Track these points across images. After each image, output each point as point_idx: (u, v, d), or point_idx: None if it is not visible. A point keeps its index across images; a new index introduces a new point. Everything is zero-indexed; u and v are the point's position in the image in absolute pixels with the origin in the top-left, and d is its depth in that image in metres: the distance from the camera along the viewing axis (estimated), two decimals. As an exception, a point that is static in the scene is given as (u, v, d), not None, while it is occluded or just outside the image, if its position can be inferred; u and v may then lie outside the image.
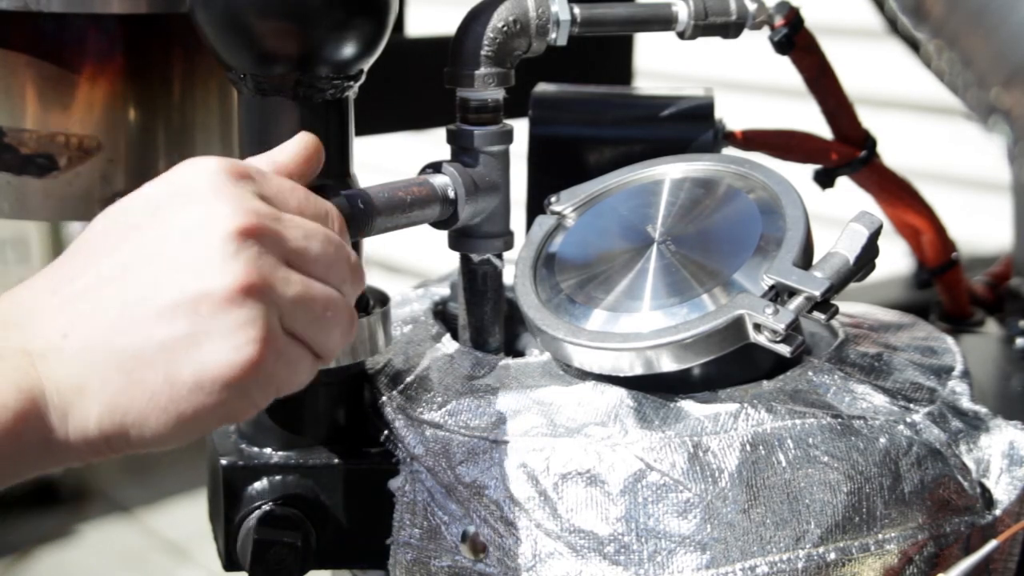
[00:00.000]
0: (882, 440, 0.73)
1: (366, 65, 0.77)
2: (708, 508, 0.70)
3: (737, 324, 0.73)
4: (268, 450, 0.79)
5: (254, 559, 0.76)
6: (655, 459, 0.71)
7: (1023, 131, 0.69)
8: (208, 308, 0.57)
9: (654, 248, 0.80)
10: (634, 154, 0.89)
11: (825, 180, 0.99)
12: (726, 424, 0.73)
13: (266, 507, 0.77)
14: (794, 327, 0.71)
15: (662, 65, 2.11)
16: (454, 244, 0.84)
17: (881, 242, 0.76)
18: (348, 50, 0.74)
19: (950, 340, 0.88)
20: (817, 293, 0.72)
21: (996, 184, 1.60)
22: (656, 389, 0.75)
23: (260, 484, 0.78)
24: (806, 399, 0.75)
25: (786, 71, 0.96)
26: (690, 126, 0.92)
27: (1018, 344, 1.07)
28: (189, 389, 0.57)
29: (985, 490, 0.77)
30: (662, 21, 0.87)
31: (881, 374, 0.79)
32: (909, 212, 1.03)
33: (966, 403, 0.80)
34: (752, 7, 0.89)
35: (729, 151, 0.95)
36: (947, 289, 1.09)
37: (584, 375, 0.78)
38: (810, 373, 0.77)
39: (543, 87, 0.96)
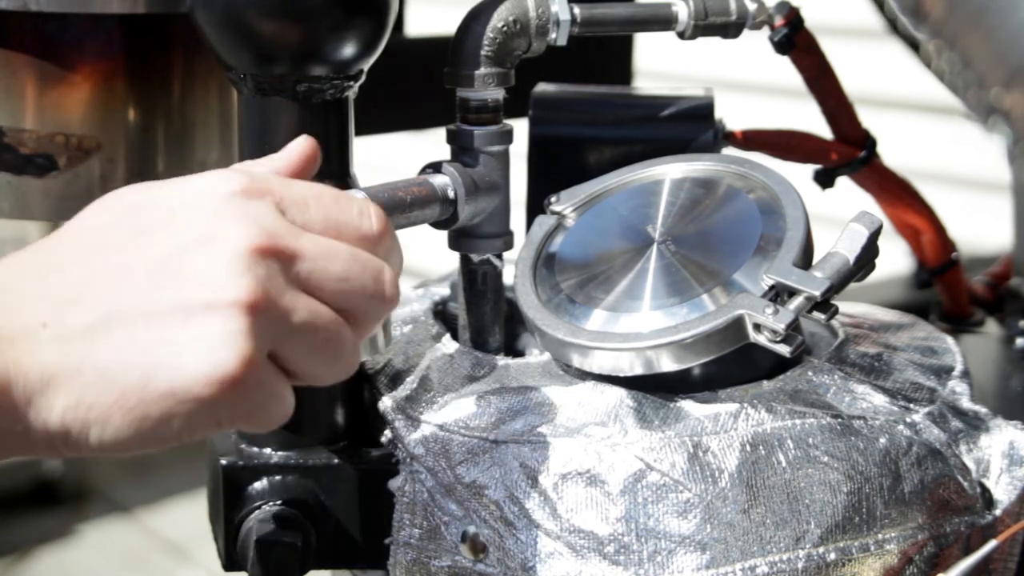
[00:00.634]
0: (882, 440, 0.73)
1: (366, 65, 0.77)
2: (708, 508, 0.70)
3: (737, 324, 0.73)
4: (268, 450, 0.79)
5: (254, 559, 0.76)
6: (655, 459, 0.71)
7: (1023, 131, 0.69)
8: (201, 317, 0.55)
9: (654, 248, 0.80)
10: (634, 154, 0.89)
11: (825, 180, 0.99)
12: (726, 424, 0.73)
13: (266, 507, 0.77)
14: (794, 327, 0.71)
15: (662, 65, 2.11)
16: (454, 244, 0.84)
17: (881, 242, 0.76)
18: (348, 50, 0.74)
19: (950, 340, 0.88)
20: (817, 293, 0.72)
21: (996, 184, 1.60)
22: (656, 389, 0.75)
23: (260, 484, 0.78)
24: (806, 399, 0.75)
25: (786, 71, 0.96)
26: (690, 126, 0.92)
27: (1018, 344, 1.07)
28: (161, 394, 0.55)
29: (985, 490, 0.77)
30: (662, 21, 0.87)
31: (881, 374, 0.79)
32: (909, 212, 1.03)
33: (966, 403, 0.80)
34: (752, 7, 0.89)
35: (729, 151, 0.95)
36: (947, 289, 1.09)
37: (584, 375, 0.78)
38: (810, 373, 0.77)
39: (543, 87, 0.96)
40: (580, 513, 0.71)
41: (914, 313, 0.94)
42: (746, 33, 0.89)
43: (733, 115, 0.98)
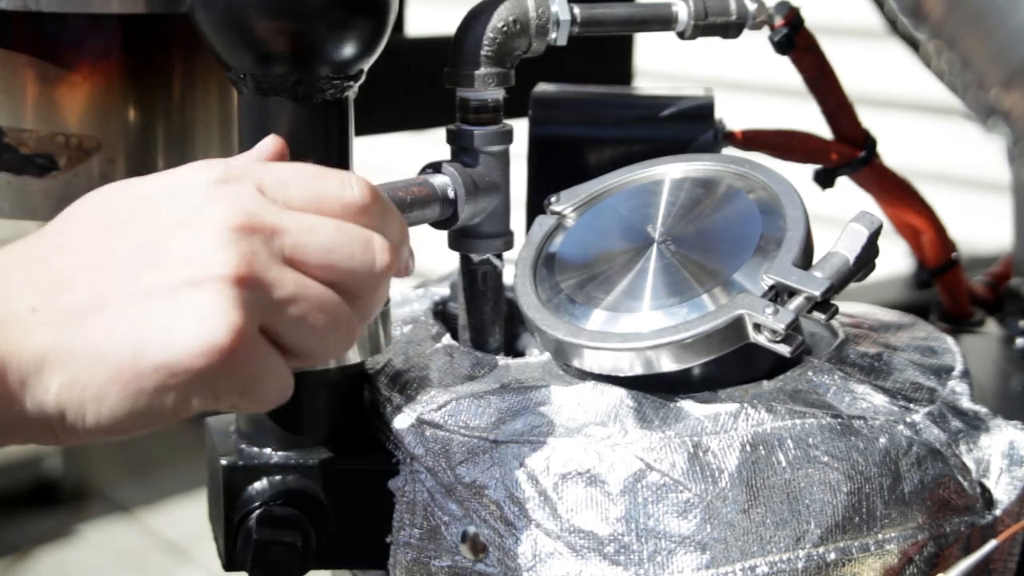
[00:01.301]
0: (882, 440, 0.73)
1: (366, 65, 0.77)
2: (708, 508, 0.70)
3: (737, 324, 0.73)
4: (268, 450, 0.79)
5: (254, 559, 0.76)
6: (655, 459, 0.71)
7: (1023, 131, 0.69)
8: (189, 292, 0.56)
9: (654, 248, 0.80)
10: (634, 154, 0.89)
11: (825, 180, 0.99)
12: (726, 424, 0.73)
13: (266, 507, 0.77)
14: (794, 327, 0.71)
15: (662, 65, 2.11)
16: (454, 244, 0.84)
17: (881, 242, 0.76)
18: (348, 50, 0.74)
19: (950, 340, 0.88)
20: (817, 293, 0.72)
21: (996, 184, 1.60)
22: (656, 389, 0.75)
23: (260, 484, 0.78)
24: (806, 399, 0.75)
25: (786, 71, 0.96)
26: (690, 126, 0.92)
27: (1018, 344, 1.07)
28: (154, 367, 0.55)
29: (985, 490, 0.77)
30: (662, 21, 0.87)
31: (881, 374, 0.79)
32: (909, 212, 1.03)
33: (966, 403, 0.80)
34: (752, 7, 0.89)
35: (729, 151, 0.95)
36: (947, 289, 1.09)
37: (584, 375, 0.78)
38: (810, 373, 0.77)
39: (543, 87, 0.96)
40: (580, 513, 0.71)
41: (914, 313, 0.94)
42: (746, 33, 0.89)
43: (733, 115, 0.98)
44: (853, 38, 1.86)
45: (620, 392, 0.75)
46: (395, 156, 1.86)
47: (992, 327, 1.12)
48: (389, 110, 1.29)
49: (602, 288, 0.79)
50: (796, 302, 0.72)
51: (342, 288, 0.61)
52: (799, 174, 0.94)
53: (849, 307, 0.90)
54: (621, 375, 0.75)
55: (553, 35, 0.82)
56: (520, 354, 0.88)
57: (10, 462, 3.07)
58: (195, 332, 0.55)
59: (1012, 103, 0.68)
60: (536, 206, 0.90)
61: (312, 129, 0.75)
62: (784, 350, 0.71)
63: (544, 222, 0.86)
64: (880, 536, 0.71)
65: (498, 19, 0.80)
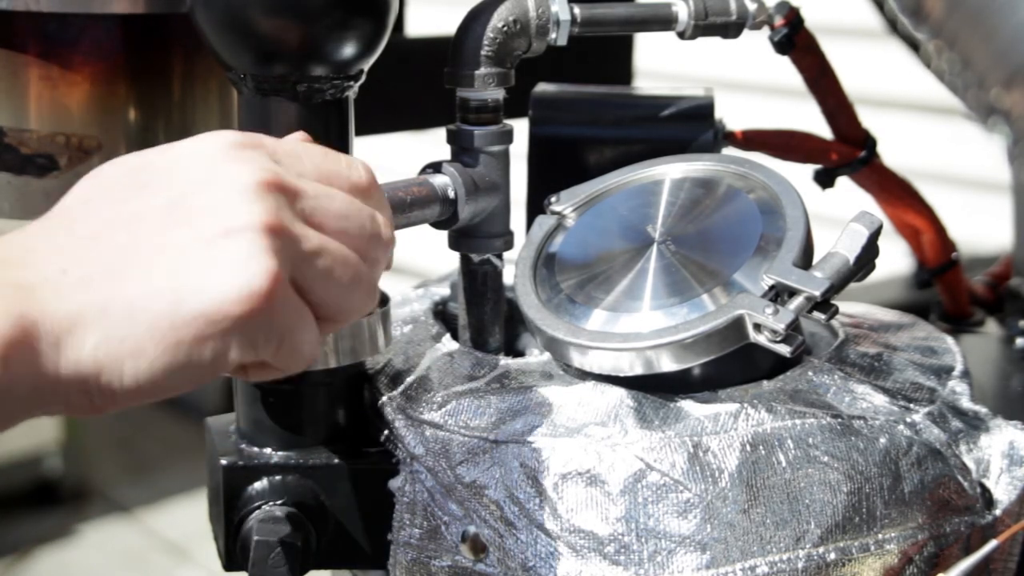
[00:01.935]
0: (882, 440, 0.73)
1: (366, 65, 0.77)
2: (708, 508, 0.70)
3: (737, 324, 0.73)
4: (268, 450, 0.79)
5: (254, 559, 0.76)
6: (655, 459, 0.71)
7: (1023, 131, 0.69)
8: (223, 242, 0.55)
9: (654, 248, 0.80)
10: (634, 154, 0.89)
11: (825, 180, 0.99)
12: (726, 424, 0.73)
13: (266, 507, 0.77)
14: (794, 327, 0.71)
15: (662, 65, 2.11)
16: (454, 244, 0.84)
17: (881, 242, 0.76)
18: (348, 50, 0.74)
19: (950, 340, 0.88)
20: (817, 293, 0.72)
21: (996, 184, 1.60)
22: (656, 389, 0.75)
23: (260, 484, 0.78)
24: (806, 399, 0.75)
25: (786, 71, 0.96)
26: (690, 126, 0.92)
27: (1018, 344, 1.07)
28: (193, 316, 0.54)
29: (985, 490, 0.77)
30: (662, 21, 0.87)
31: (881, 374, 0.79)
32: (909, 212, 1.03)
33: (966, 403, 0.80)
34: (752, 7, 0.89)
35: (729, 151, 0.95)
36: (947, 289, 1.09)
37: (584, 375, 0.78)
38: (810, 373, 0.77)
39: (543, 87, 0.96)
40: (580, 513, 0.71)
41: (914, 313, 0.94)
42: (746, 33, 0.89)
43: (733, 115, 0.98)
44: (853, 38, 1.86)
45: (620, 392, 0.75)
46: (395, 156, 1.86)
47: (992, 327, 1.12)
48: (389, 110, 1.29)
49: (602, 288, 0.79)
50: (796, 302, 0.72)
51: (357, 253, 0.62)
52: (799, 174, 0.94)
53: (849, 307, 0.90)
54: (621, 375, 0.75)
55: (553, 35, 0.82)
56: (520, 354, 0.88)
57: (10, 462, 3.07)
58: (232, 278, 0.55)
59: (1012, 103, 0.68)
60: (536, 206, 0.90)
61: (312, 129, 0.75)
62: (784, 350, 0.71)
63: (544, 222, 0.86)
64: (880, 536, 0.71)
65: (498, 19, 0.80)
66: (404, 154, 1.68)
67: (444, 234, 0.83)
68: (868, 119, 0.99)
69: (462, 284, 0.85)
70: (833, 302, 0.73)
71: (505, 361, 0.82)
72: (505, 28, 0.80)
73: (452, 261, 0.86)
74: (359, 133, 0.80)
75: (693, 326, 0.73)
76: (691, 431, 0.72)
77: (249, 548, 0.76)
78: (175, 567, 2.82)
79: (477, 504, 0.73)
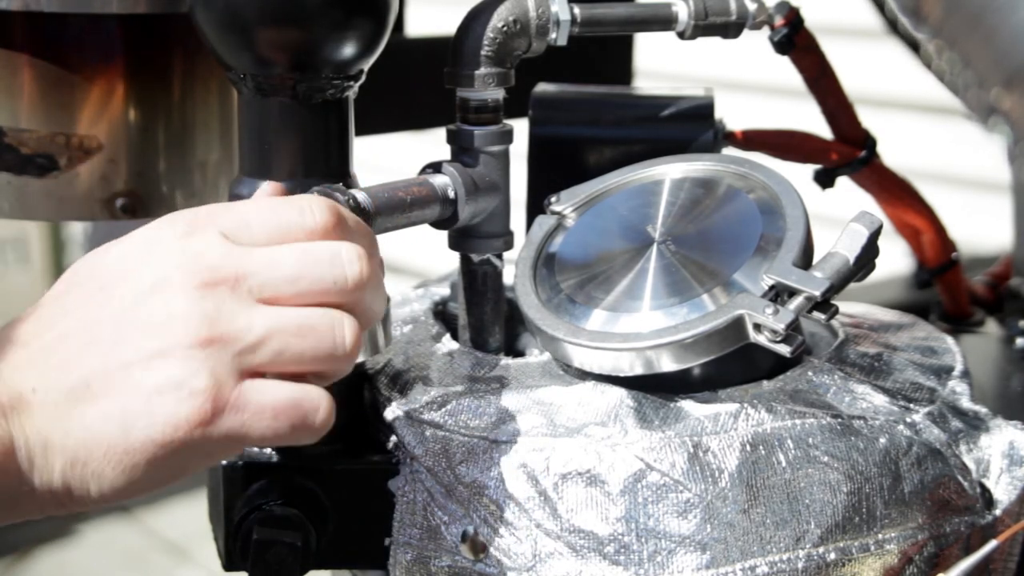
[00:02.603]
0: (882, 440, 0.73)
1: (366, 65, 0.77)
2: (708, 508, 0.70)
3: (737, 324, 0.73)
4: (268, 450, 0.79)
5: (254, 559, 0.76)
6: (655, 459, 0.71)
7: (1023, 131, 0.69)
8: (160, 364, 0.58)
9: (654, 248, 0.80)
10: (634, 154, 0.89)
11: (825, 180, 0.99)
12: (726, 424, 0.73)
13: (266, 507, 0.77)
14: (794, 327, 0.71)
15: (662, 65, 2.11)
16: (454, 244, 0.84)
17: (881, 242, 0.76)
18: (348, 50, 0.74)
19: (950, 340, 0.88)
20: (817, 293, 0.72)
21: (996, 184, 1.60)
22: (656, 389, 0.75)
23: (260, 484, 0.78)
24: (806, 399, 0.75)
25: (786, 71, 0.96)
26: (690, 126, 0.92)
27: (1018, 344, 1.07)
28: (141, 443, 0.58)
29: (985, 490, 0.77)
30: (662, 21, 0.87)
31: (881, 374, 0.79)
32: (909, 212, 1.03)
33: (966, 403, 0.80)
34: (752, 7, 0.89)
35: (729, 151, 0.95)
36: (947, 289, 1.09)
37: (584, 375, 0.78)
38: (810, 373, 0.77)
39: (543, 87, 0.96)
40: (580, 513, 0.71)
41: (914, 313, 0.94)
42: (746, 33, 0.89)
43: (733, 115, 0.98)
44: (853, 38, 1.86)
45: (620, 392, 0.75)
46: (395, 156, 1.86)
47: (992, 327, 1.12)
48: (389, 110, 1.29)
49: (602, 288, 0.79)
50: (796, 302, 0.72)
51: (327, 306, 0.62)
52: (799, 174, 0.94)
53: (849, 307, 0.90)
54: (621, 375, 0.75)
55: (553, 35, 0.82)
56: (520, 354, 0.88)
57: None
58: (171, 405, 0.58)
59: (1012, 103, 0.68)
60: (536, 206, 0.90)
61: (312, 129, 0.75)
62: (784, 350, 0.71)
63: (544, 222, 0.86)
64: (880, 536, 0.71)
65: (498, 19, 0.80)
66: (404, 154, 1.68)
67: (444, 234, 0.83)
68: (868, 119, 0.99)
69: (462, 284, 0.85)
70: (833, 302, 0.73)
71: (505, 361, 0.82)
72: (505, 28, 0.80)
73: (452, 261, 0.86)
74: (359, 133, 0.80)
75: (693, 326, 0.73)
76: (691, 431, 0.72)
77: (249, 548, 0.76)
78: (175, 567, 2.82)
79: (477, 504, 0.73)
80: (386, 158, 1.86)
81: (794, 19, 0.91)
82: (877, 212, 0.91)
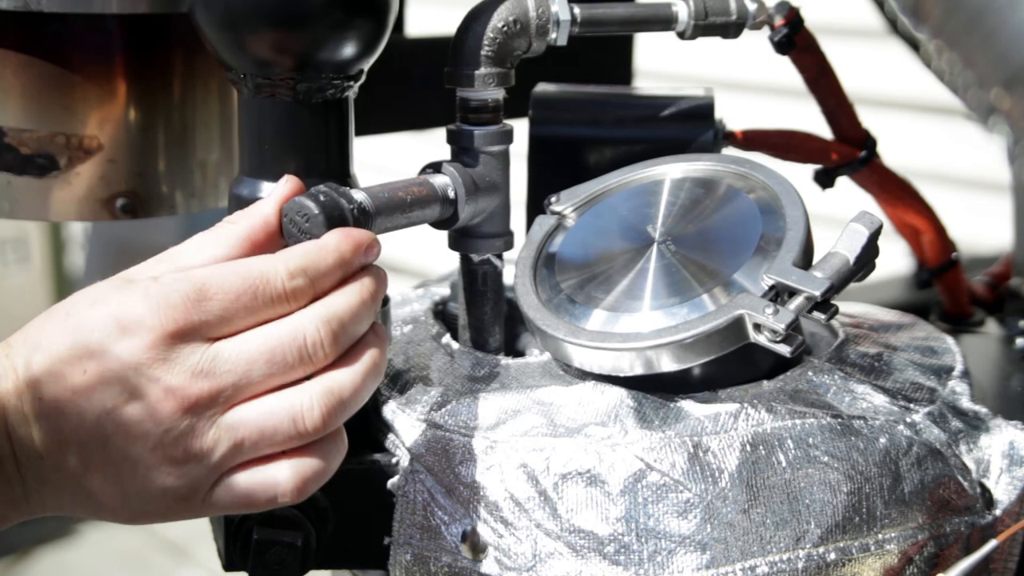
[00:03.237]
0: (882, 440, 0.73)
1: (366, 65, 0.77)
2: (708, 508, 0.70)
3: (737, 324, 0.73)
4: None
5: (254, 559, 0.76)
6: (655, 459, 0.71)
7: (1023, 131, 0.69)
8: (147, 467, 0.63)
9: (654, 248, 0.80)
10: (634, 154, 0.89)
11: (825, 180, 0.99)
12: (726, 424, 0.73)
13: (266, 507, 0.77)
14: (794, 327, 0.71)
15: (662, 65, 2.11)
16: (454, 244, 0.84)
17: (881, 242, 0.76)
18: (348, 50, 0.74)
19: (950, 340, 0.88)
20: (817, 293, 0.72)
21: (996, 184, 1.61)
22: (656, 389, 0.75)
23: (260, 484, 0.78)
24: (806, 399, 0.75)
25: (786, 71, 0.96)
26: (690, 126, 0.92)
27: (1018, 344, 1.07)
28: (135, 515, 0.65)
29: (985, 490, 0.77)
30: (662, 21, 0.87)
31: (881, 374, 0.79)
32: (909, 212, 1.03)
33: (966, 403, 0.80)
34: (752, 7, 0.89)
35: (729, 151, 0.95)
36: (947, 289, 1.09)
37: (584, 375, 0.78)
38: (810, 373, 0.77)
39: (543, 87, 0.96)
40: (580, 513, 0.71)
41: (914, 313, 0.94)
42: (746, 33, 0.89)
43: (733, 115, 0.98)
44: (853, 38, 1.86)
45: (620, 392, 0.75)
46: (395, 156, 1.86)
47: (992, 327, 1.12)
48: (389, 110, 1.29)
49: (602, 288, 0.79)
50: (796, 302, 0.72)
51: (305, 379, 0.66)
52: (799, 174, 0.94)
53: (849, 307, 0.90)
54: (621, 375, 0.75)
55: (553, 35, 0.82)
56: (520, 354, 0.88)
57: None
58: (160, 502, 0.64)
59: (1012, 103, 0.68)
60: (536, 206, 0.90)
61: (312, 129, 0.75)
62: (784, 350, 0.71)
63: (544, 222, 0.86)
64: (880, 536, 0.71)
65: (498, 19, 0.80)
66: (404, 154, 1.68)
67: (444, 234, 0.83)
68: (868, 119, 0.99)
69: (462, 284, 0.85)
70: (833, 302, 0.73)
71: (505, 361, 0.82)
72: (505, 28, 0.80)
73: (452, 261, 0.86)
74: (359, 133, 0.80)
75: (693, 326, 0.73)
76: (691, 431, 0.72)
77: (249, 548, 0.76)
78: (175, 567, 2.82)
79: (477, 504, 0.73)
80: (386, 158, 1.86)
81: (794, 19, 0.91)
82: (877, 212, 0.91)
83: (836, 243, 0.75)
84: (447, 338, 0.85)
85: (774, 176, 0.82)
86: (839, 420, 0.73)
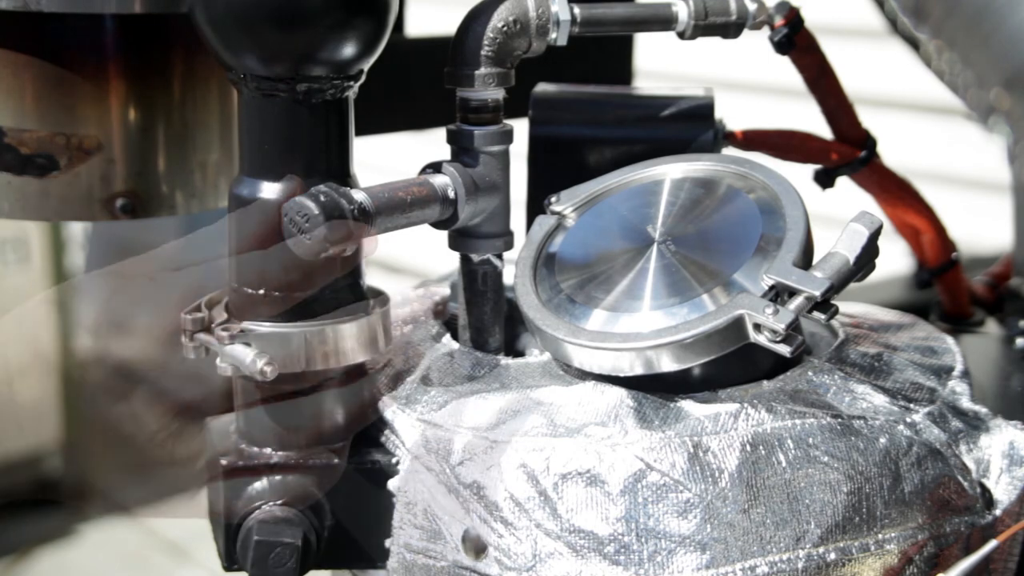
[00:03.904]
0: (882, 440, 0.73)
1: (366, 65, 0.77)
2: (708, 508, 0.70)
3: (737, 324, 0.73)
4: (268, 450, 0.79)
5: (254, 559, 0.76)
6: (655, 459, 0.71)
7: (1023, 131, 0.69)
8: None
9: (654, 248, 0.80)
10: (634, 154, 0.89)
11: (825, 180, 0.99)
12: (726, 424, 0.73)
13: (266, 507, 0.77)
14: (794, 327, 0.71)
15: (662, 65, 2.11)
16: (454, 244, 0.84)
17: (881, 242, 0.76)
18: (348, 50, 0.74)
19: (950, 340, 0.88)
20: (817, 293, 0.72)
21: (996, 184, 1.60)
22: (656, 389, 0.75)
23: (260, 484, 0.78)
24: (806, 399, 0.75)
25: (786, 71, 0.96)
26: (690, 126, 0.92)
27: (1018, 344, 1.07)
28: None
29: (985, 490, 0.77)
30: (662, 21, 0.87)
31: (881, 374, 0.79)
32: (909, 212, 1.03)
33: (966, 403, 0.80)
34: (752, 7, 0.89)
35: (729, 151, 0.95)
36: (947, 289, 1.09)
37: (584, 375, 0.78)
38: (810, 373, 0.77)
39: (543, 87, 0.96)
40: (580, 513, 0.71)
41: (914, 313, 0.94)
42: (746, 33, 0.89)
43: (733, 115, 0.98)
44: (853, 38, 1.86)
45: (620, 392, 0.75)
46: (395, 156, 1.86)
47: (992, 327, 1.12)
48: (389, 110, 1.29)
49: (602, 288, 0.79)
50: (796, 302, 0.72)
51: None
52: (799, 174, 0.94)
53: (849, 307, 0.90)
54: (621, 375, 0.75)
55: (553, 35, 0.82)
56: (520, 354, 0.88)
57: (10, 462, 3.07)
58: None
59: (1012, 103, 0.68)
60: (536, 206, 0.90)
61: (312, 129, 0.75)
62: (784, 350, 0.71)
63: (544, 222, 0.86)
64: (880, 536, 0.71)
65: (498, 19, 0.80)
66: (404, 154, 1.68)
67: (444, 234, 0.83)
68: (868, 119, 0.99)
69: (462, 284, 0.85)
70: (833, 302, 0.73)
71: (505, 361, 0.82)
72: (505, 28, 0.80)
73: (452, 261, 0.86)
74: (359, 133, 0.80)
75: (693, 326, 0.73)
76: (691, 431, 0.72)
77: (249, 548, 0.76)
78: (175, 567, 2.82)
79: (477, 504, 0.73)
80: (386, 158, 1.86)
81: (794, 19, 0.91)
82: (877, 212, 0.91)
83: (836, 243, 0.75)
84: (447, 338, 0.85)
85: (774, 176, 0.82)
86: (839, 420, 0.73)
